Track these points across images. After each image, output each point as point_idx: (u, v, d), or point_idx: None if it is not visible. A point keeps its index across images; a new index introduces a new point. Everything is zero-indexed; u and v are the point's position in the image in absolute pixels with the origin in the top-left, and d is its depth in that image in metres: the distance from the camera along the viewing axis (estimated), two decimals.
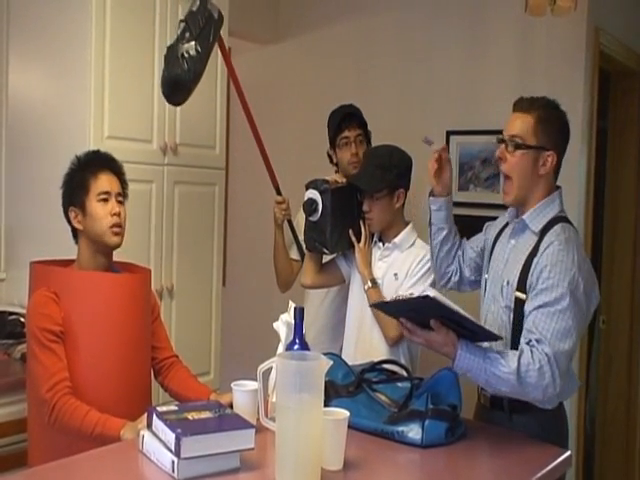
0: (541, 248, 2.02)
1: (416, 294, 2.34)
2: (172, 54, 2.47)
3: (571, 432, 3.21)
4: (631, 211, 4.13)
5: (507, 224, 2.23)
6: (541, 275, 1.97)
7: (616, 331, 4.17)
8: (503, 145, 2.10)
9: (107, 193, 2.17)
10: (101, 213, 2.16)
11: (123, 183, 2.25)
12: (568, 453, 1.93)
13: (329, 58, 3.98)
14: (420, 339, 1.92)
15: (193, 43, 2.44)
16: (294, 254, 3.02)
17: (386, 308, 2.20)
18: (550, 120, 2.08)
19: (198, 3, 2.52)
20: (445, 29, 3.59)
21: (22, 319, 2.78)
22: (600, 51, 3.42)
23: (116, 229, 2.18)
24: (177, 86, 2.49)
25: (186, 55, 2.42)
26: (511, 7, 3.30)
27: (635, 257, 4.14)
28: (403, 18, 3.72)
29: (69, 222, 2.23)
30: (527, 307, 2.00)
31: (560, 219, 2.09)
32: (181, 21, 2.54)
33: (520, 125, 2.07)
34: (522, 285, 2.03)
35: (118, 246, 2.22)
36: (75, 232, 2.23)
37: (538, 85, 3.34)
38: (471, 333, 1.90)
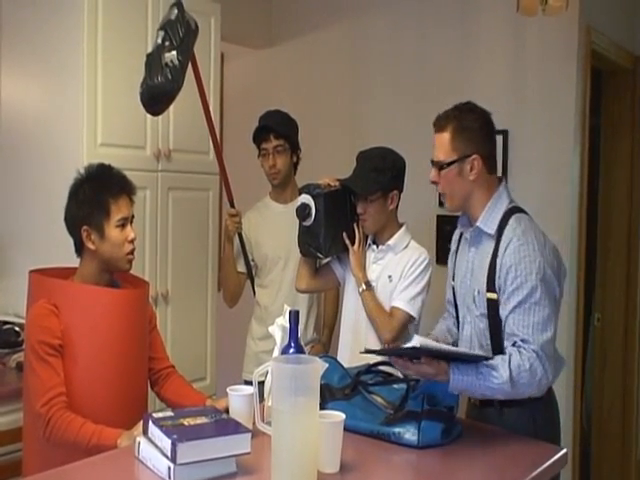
0: (501, 248, 2.03)
1: (404, 345, 2.19)
2: (154, 62, 2.38)
3: (568, 428, 3.23)
4: (625, 208, 4.13)
5: (462, 233, 2.25)
6: (508, 276, 2.00)
7: (611, 328, 4.18)
8: (434, 169, 2.14)
9: (125, 219, 2.16)
10: (120, 239, 2.14)
11: (132, 203, 2.23)
12: (564, 451, 1.94)
13: (322, 62, 3.99)
14: (412, 372, 1.94)
15: (175, 52, 2.37)
16: (241, 267, 3.05)
17: (378, 352, 2.19)
18: (465, 127, 2.09)
19: (176, 12, 2.44)
20: (437, 31, 3.60)
21: (17, 328, 2.77)
22: (592, 50, 3.43)
23: (131, 256, 2.19)
24: (160, 95, 2.41)
25: (170, 64, 2.34)
26: (503, 7, 3.31)
27: (629, 254, 4.14)
28: (395, 21, 3.73)
29: (75, 237, 2.17)
30: (502, 312, 2.02)
31: (511, 211, 2.09)
32: (159, 29, 2.47)
33: (438, 147, 2.12)
34: (491, 286, 2.05)
35: (129, 270, 2.23)
36: (79, 246, 2.18)
37: (530, 84, 3.35)
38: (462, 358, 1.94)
